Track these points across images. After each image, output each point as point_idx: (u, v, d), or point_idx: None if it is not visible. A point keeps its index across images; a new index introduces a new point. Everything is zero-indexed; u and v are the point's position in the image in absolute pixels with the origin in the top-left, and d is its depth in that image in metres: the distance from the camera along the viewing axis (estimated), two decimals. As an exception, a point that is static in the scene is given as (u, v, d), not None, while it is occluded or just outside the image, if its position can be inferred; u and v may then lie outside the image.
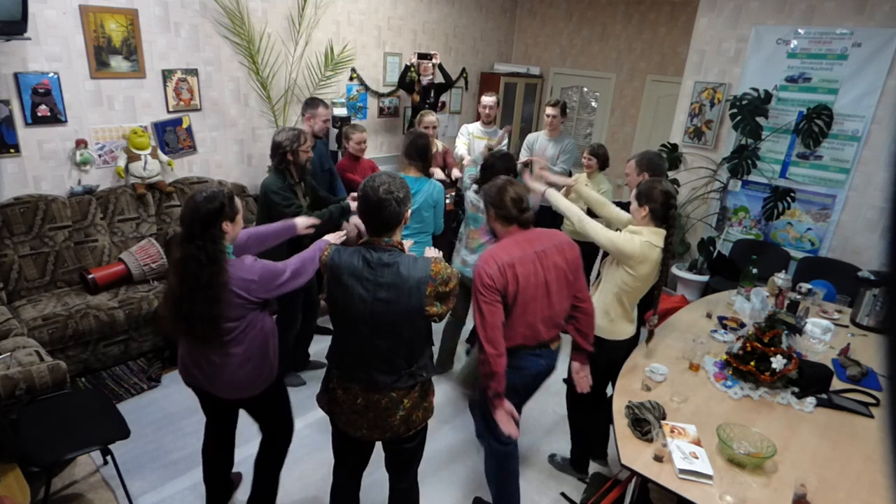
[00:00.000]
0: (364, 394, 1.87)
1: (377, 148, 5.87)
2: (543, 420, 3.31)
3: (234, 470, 2.61)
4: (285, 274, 2.02)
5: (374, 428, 1.91)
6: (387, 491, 2.21)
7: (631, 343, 2.57)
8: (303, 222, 2.55)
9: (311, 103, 3.66)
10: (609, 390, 2.72)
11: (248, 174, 4.68)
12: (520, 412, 2.25)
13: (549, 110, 4.47)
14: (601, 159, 3.99)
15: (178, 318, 1.90)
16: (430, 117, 4.15)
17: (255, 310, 2.01)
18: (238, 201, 1.99)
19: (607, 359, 2.53)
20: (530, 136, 4.67)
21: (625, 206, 2.73)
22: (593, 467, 2.88)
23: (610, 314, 2.45)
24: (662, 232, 2.36)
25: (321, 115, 3.65)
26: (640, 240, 2.34)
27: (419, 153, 3.12)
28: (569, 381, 2.71)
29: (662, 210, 2.33)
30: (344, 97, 5.29)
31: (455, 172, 4.37)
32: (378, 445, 2.07)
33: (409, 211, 1.88)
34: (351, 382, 1.89)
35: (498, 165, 2.91)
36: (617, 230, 2.47)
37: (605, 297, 2.47)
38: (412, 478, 2.15)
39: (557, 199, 2.55)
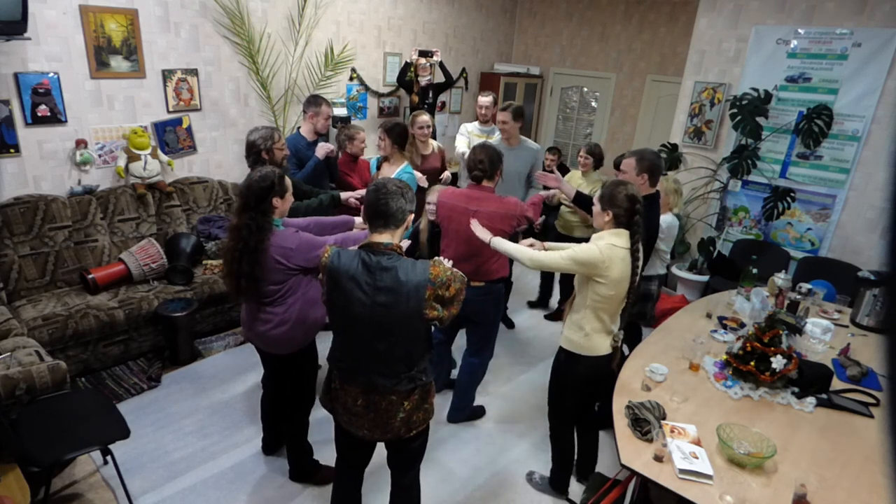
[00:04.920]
0: (364, 395, 1.89)
1: (377, 148, 5.86)
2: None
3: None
4: (323, 248, 2.25)
5: (375, 428, 1.92)
6: (388, 486, 2.22)
7: (610, 360, 2.42)
8: (359, 221, 2.87)
9: (314, 101, 3.66)
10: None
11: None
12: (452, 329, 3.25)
13: (499, 115, 3.71)
14: (598, 158, 4.03)
15: (230, 276, 2.25)
16: (424, 117, 4.08)
17: (295, 275, 2.29)
18: (288, 181, 2.29)
19: (585, 376, 2.42)
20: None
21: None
22: (574, 488, 2.76)
23: (584, 329, 2.34)
24: (624, 232, 2.25)
25: (324, 113, 3.66)
26: (601, 244, 2.24)
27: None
28: (550, 397, 2.66)
29: (626, 216, 2.23)
30: (344, 97, 5.29)
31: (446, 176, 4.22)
32: (380, 443, 2.08)
33: (412, 216, 1.90)
34: (351, 384, 1.90)
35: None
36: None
37: (579, 312, 2.36)
38: (414, 475, 2.17)
39: (501, 245, 2.48)
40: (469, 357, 3.15)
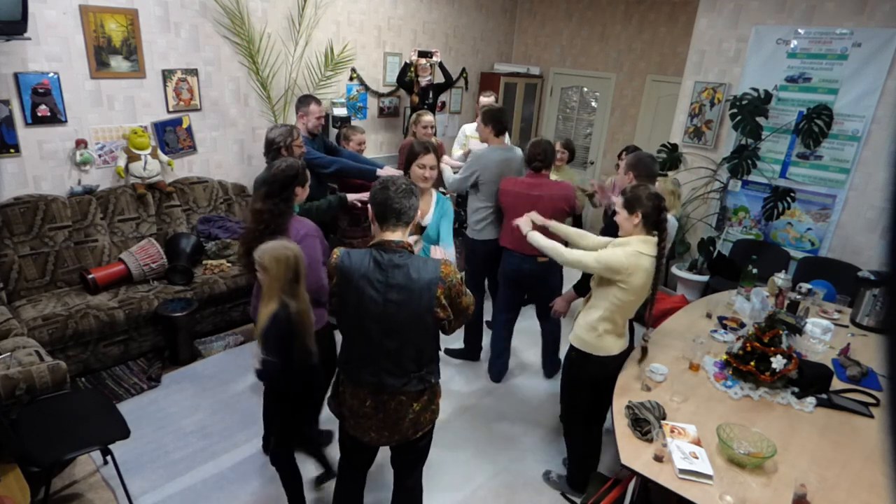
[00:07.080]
0: (372, 396, 1.89)
1: (377, 148, 5.87)
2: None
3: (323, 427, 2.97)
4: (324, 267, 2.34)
5: (383, 430, 1.92)
6: (390, 486, 2.22)
7: (621, 358, 2.47)
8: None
9: (304, 101, 3.67)
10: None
11: (249, 174, 4.67)
12: (508, 298, 3.57)
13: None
14: (572, 153, 4.39)
15: (246, 255, 2.34)
16: (428, 117, 4.14)
17: None
18: (308, 172, 2.45)
19: (595, 375, 2.45)
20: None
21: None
22: None
23: (598, 329, 2.37)
24: (653, 239, 2.26)
25: (314, 113, 3.66)
26: (628, 250, 2.25)
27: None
28: (562, 396, 2.67)
29: (655, 214, 2.24)
30: (344, 97, 5.29)
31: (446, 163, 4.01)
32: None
33: (418, 214, 1.91)
34: (359, 386, 1.90)
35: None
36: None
37: (595, 313, 2.38)
38: (417, 475, 2.17)
39: (537, 239, 2.55)
40: (544, 325, 3.69)
